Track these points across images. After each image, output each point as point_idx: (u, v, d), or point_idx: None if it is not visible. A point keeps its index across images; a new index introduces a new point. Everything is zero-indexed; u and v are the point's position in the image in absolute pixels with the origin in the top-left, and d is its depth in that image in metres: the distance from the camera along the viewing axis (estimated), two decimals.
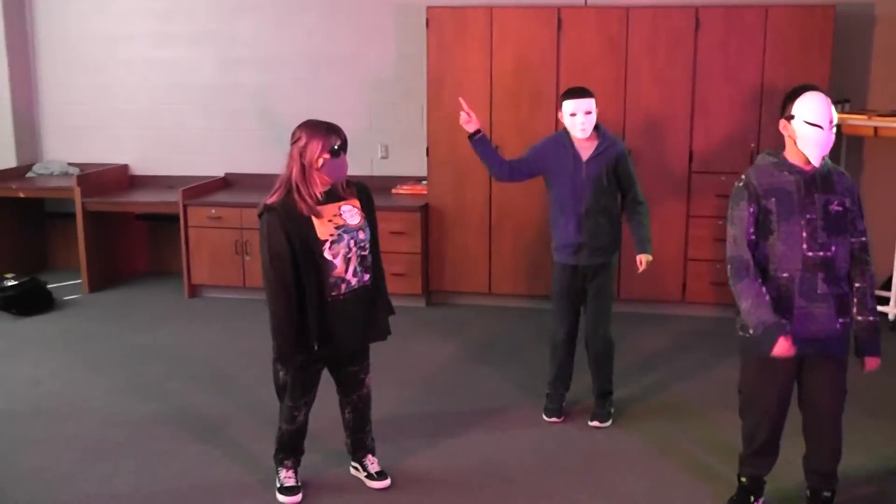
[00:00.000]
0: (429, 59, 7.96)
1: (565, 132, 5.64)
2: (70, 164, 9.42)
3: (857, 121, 7.55)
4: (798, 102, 4.30)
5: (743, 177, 4.41)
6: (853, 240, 4.34)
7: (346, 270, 4.64)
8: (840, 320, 4.31)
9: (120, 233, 9.26)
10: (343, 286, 4.63)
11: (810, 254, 4.25)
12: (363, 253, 4.71)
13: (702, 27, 7.52)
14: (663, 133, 7.69)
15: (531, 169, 5.74)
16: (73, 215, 8.73)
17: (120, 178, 9.28)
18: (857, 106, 7.92)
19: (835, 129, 4.30)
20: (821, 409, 4.48)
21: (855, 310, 4.37)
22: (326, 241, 4.57)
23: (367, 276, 4.75)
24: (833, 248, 4.26)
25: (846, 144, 7.87)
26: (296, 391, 4.82)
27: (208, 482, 5.13)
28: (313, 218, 4.55)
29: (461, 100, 5.73)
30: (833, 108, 4.29)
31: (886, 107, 7.86)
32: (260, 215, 4.61)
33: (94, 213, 8.74)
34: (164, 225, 9.21)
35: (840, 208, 4.28)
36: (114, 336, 7.55)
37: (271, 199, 4.58)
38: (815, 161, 4.28)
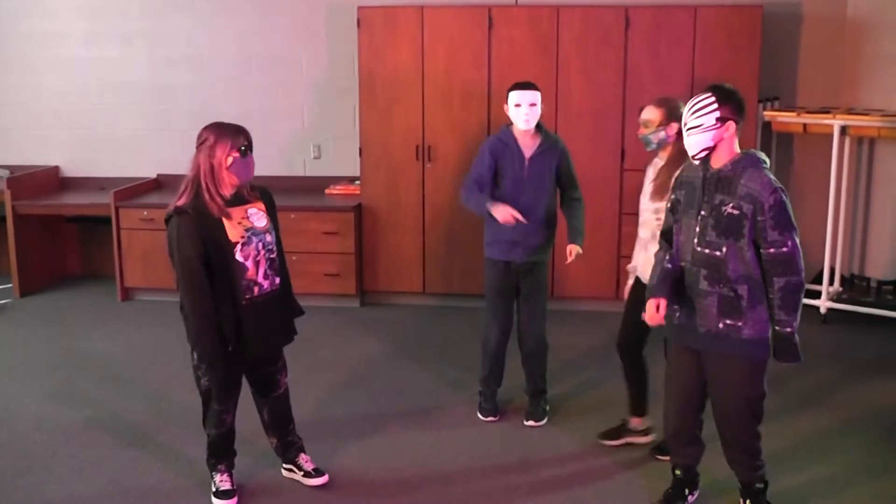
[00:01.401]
0: (360, 58, 7.94)
1: (506, 129, 5.66)
2: (0, 166, 9.29)
3: (787, 118, 7.67)
4: None
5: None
6: (763, 251, 4.23)
7: (257, 273, 4.63)
8: (725, 321, 4.31)
9: (51, 236, 9.12)
10: (256, 289, 4.63)
11: (698, 249, 4.33)
12: (271, 256, 4.71)
13: (631, 26, 7.58)
14: (595, 131, 7.75)
15: (493, 174, 5.68)
16: (3, 218, 8.60)
17: (51, 180, 9.15)
18: (787, 103, 8.03)
19: (693, 133, 4.27)
20: (718, 406, 4.52)
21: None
22: (238, 242, 4.56)
23: (277, 280, 4.75)
24: (724, 250, 4.25)
25: (776, 141, 8.00)
26: (222, 394, 4.80)
27: (142, 488, 5.09)
28: (224, 219, 4.54)
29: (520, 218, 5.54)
30: (697, 109, 4.26)
31: (815, 104, 7.99)
32: (168, 219, 4.57)
33: (25, 216, 8.61)
34: (95, 227, 9.09)
35: (735, 212, 4.21)
36: (46, 341, 7.44)
37: (180, 202, 4.55)
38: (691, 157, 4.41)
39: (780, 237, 4.17)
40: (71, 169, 9.31)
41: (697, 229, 4.32)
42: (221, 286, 4.56)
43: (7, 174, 8.93)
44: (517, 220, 5.47)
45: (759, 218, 4.17)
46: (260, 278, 4.65)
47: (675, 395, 4.65)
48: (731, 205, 4.22)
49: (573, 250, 5.72)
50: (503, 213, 5.47)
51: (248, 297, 4.61)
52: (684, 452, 4.75)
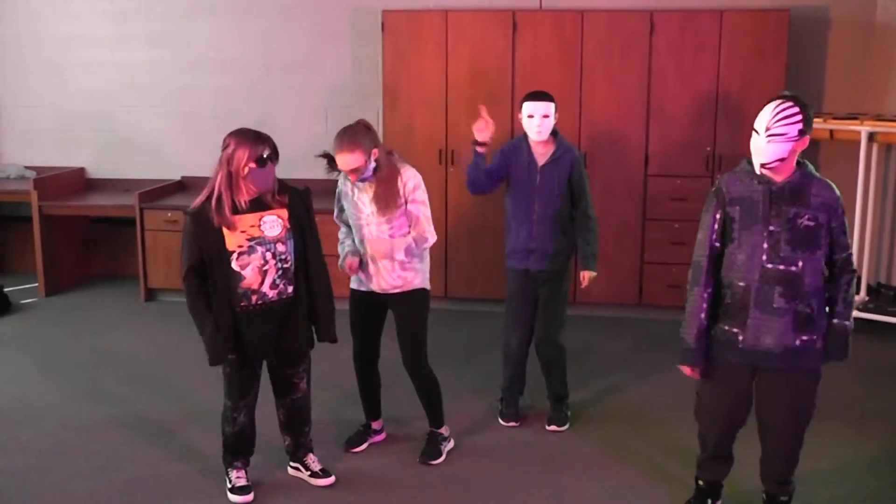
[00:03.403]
0: (384, 63, 7.96)
1: (525, 136, 5.66)
2: (26, 167, 9.32)
3: (813, 124, 7.56)
4: None
5: (717, 182, 4.39)
6: (836, 256, 4.26)
7: (262, 283, 4.66)
8: (801, 337, 4.24)
9: (76, 236, 9.20)
10: (254, 297, 4.66)
11: (769, 266, 4.18)
12: (284, 265, 4.71)
13: (656, 31, 7.55)
14: (619, 136, 7.72)
15: (500, 174, 5.71)
16: (30, 219, 8.67)
17: (76, 182, 9.22)
18: (813, 109, 7.93)
19: (777, 141, 4.10)
20: (773, 422, 4.45)
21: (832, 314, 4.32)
22: (234, 252, 4.60)
23: (290, 288, 4.76)
24: (799, 264, 4.18)
25: None
26: (233, 392, 4.87)
27: (165, 485, 5.14)
28: (224, 228, 4.59)
29: (482, 108, 5.65)
30: (784, 117, 4.11)
31: (842, 110, 7.91)
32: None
33: (51, 217, 8.68)
34: (120, 228, 9.14)
35: (812, 223, 4.16)
36: (70, 340, 7.50)
37: (193, 205, 4.67)
38: (756, 168, 4.21)
39: (846, 240, 4.30)
40: (96, 170, 9.38)
41: (766, 245, 4.19)
42: (218, 291, 4.63)
43: (33, 175, 9.01)
44: (484, 119, 5.57)
45: (833, 225, 4.20)
46: (265, 288, 4.68)
47: (721, 417, 4.53)
48: (807, 216, 4.16)
49: (587, 276, 5.77)
50: (478, 123, 5.59)
51: (243, 304, 4.66)
52: (717, 469, 4.70)
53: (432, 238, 5.27)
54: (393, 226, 5.15)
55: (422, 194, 5.19)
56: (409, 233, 5.21)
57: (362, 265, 5.26)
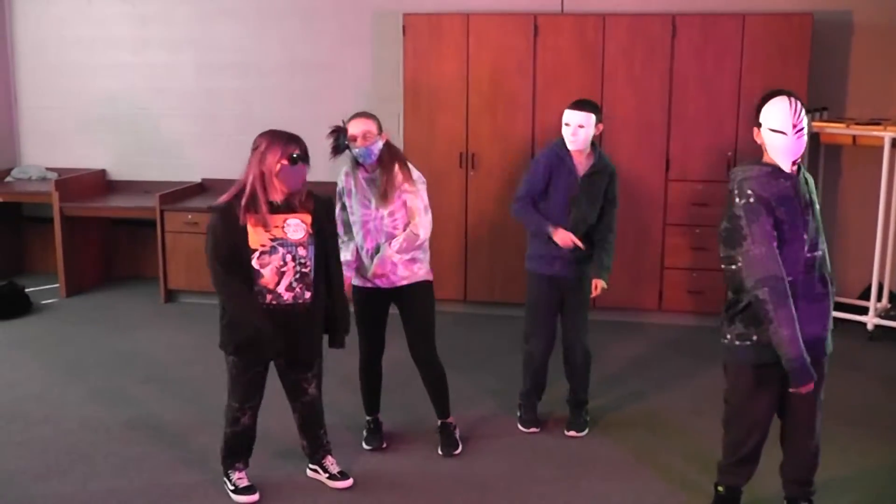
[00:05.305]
0: (405, 66, 7.96)
1: (563, 144, 5.63)
2: (48, 168, 9.39)
3: (836, 129, 7.54)
4: (764, 110, 4.29)
5: (749, 192, 4.20)
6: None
7: (278, 284, 4.69)
8: (831, 317, 4.33)
9: (97, 237, 9.23)
10: (269, 297, 4.70)
11: (809, 255, 4.24)
12: (303, 270, 4.74)
13: (678, 35, 7.52)
14: (640, 141, 7.69)
15: (545, 189, 5.69)
16: (51, 220, 8.71)
17: (97, 183, 9.25)
18: (835, 114, 7.91)
19: (803, 134, 4.21)
20: (800, 417, 4.45)
21: None
22: (256, 250, 4.65)
23: (308, 294, 4.77)
24: (821, 247, 4.28)
25: (824, 153, 7.88)
26: (238, 392, 4.91)
27: (182, 486, 5.16)
28: (248, 226, 4.63)
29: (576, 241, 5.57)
30: (800, 111, 4.22)
31: (865, 115, 7.84)
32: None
33: (72, 218, 8.72)
34: (140, 230, 9.18)
35: (819, 207, 4.31)
36: (90, 340, 7.53)
37: (220, 200, 4.72)
38: (786, 167, 4.21)
39: None
40: (117, 172, 9.42)
41: (805, 236, 4.23)
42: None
43: (55, 177, 9.08)
44: (576, 244, 5.54)
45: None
46: (281, 289, 4.71)
47: (757, 420, 4.47)
48: (818, 202, 4.29)
49: (599, 285, 5.73)
50: (563, 237, 5.54)
51: (258, 301, 4.69)
52: (742, 472, 4.65)
53: (424, 234, 5.34)
54: (395, 218, 5.29)
55: (423, 187, 5.37)
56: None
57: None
